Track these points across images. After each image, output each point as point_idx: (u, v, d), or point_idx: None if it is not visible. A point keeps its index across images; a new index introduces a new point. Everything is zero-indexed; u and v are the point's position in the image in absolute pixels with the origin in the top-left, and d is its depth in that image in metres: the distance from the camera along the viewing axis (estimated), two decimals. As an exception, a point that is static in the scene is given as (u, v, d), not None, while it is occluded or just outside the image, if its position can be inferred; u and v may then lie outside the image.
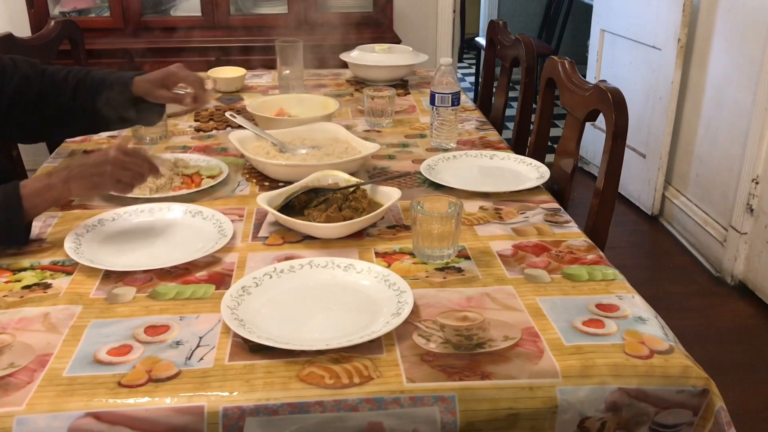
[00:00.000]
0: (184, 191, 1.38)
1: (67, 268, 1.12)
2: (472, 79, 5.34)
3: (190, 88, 1.47)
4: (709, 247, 2.76)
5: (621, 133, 1.38)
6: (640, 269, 2.74)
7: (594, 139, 3.45)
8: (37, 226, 1.25)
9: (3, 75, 1.44)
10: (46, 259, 1.14)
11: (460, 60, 5.53)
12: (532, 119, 1.93)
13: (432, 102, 1.62)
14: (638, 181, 3.21)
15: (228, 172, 1.47)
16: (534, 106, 1.94)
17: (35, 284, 1.07)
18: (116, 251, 1.17)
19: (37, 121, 1.49)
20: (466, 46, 4.69)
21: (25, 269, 1.11)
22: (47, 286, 1.07)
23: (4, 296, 1.04)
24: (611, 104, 1.38)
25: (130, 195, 1.33)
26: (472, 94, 4.74)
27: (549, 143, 1.88)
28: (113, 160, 1.13)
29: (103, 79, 1.45)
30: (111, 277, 1.09)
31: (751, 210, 2.48)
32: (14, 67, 1.45)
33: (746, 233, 2.52)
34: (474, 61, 5.55)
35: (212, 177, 1.44)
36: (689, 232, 2.91)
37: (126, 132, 1.75)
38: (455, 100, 1.60)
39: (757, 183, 2.45)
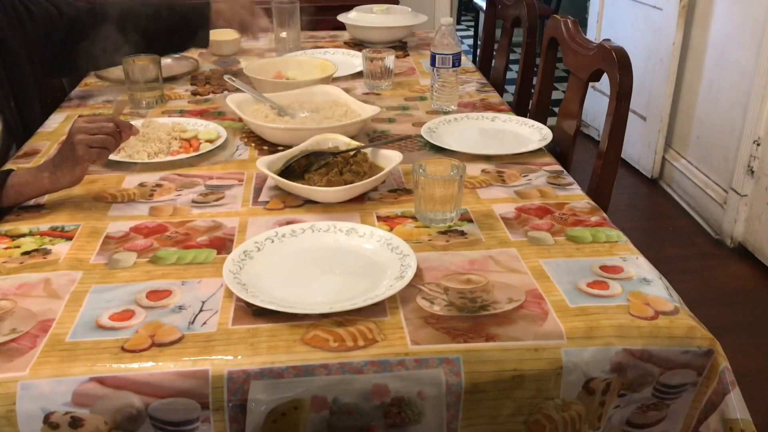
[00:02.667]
0: (183, 155, 1.36)
1: (67, 233, 1.11)
2: (470, 41, 5.27)
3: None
4: (708, 209, 2.76)
5: (625, 94, 1.36)
6: (640, 232, 2.73)
7: (594, 101, 3.42)
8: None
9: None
10: (45, 225, 1.13)
11: (458, 23, 5.45)
12: (534, 81, 1.90)
13: (432, 63, 1.59)
14: (638, 144, 3.19)
15: (226, 137, 1.45)
16: (535, 67, 1.91)
17: (35, 250, 1.06)
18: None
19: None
20: (463, 9, 4.62)
21: (24, 235, 1.10)
22: (47, 252, 1.06)
23: (4, 262, 1.03)
24: (616, 63, 1.35)
25: (128, 160, 1.33)
26: (470, 57, 4.68)
27: (551, 106, 1.86)
28: (77, 130, 1.15)
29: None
30: (111, 242, 1.08)
31: (752, 172, 2.47)
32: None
33: (746, 195, 2.51)
34: (472, 24, 5.48)
35: (210, 141, 1.42)
36: (689, 195, 2.90)
37: (122, 97, 1.73)
38: (456, 61, 1.58)
39: (758, 145, 2.43)
